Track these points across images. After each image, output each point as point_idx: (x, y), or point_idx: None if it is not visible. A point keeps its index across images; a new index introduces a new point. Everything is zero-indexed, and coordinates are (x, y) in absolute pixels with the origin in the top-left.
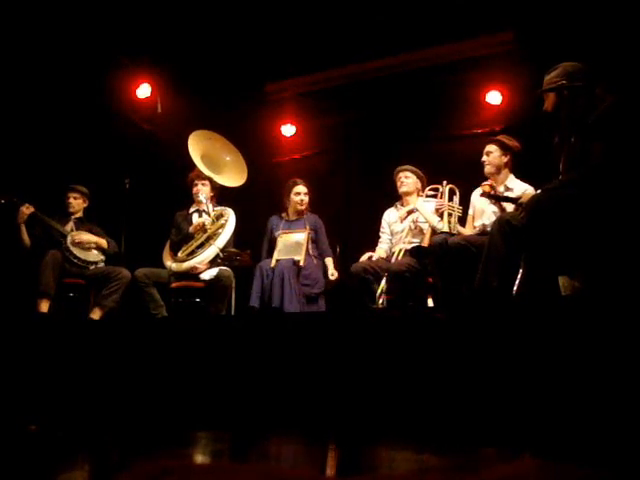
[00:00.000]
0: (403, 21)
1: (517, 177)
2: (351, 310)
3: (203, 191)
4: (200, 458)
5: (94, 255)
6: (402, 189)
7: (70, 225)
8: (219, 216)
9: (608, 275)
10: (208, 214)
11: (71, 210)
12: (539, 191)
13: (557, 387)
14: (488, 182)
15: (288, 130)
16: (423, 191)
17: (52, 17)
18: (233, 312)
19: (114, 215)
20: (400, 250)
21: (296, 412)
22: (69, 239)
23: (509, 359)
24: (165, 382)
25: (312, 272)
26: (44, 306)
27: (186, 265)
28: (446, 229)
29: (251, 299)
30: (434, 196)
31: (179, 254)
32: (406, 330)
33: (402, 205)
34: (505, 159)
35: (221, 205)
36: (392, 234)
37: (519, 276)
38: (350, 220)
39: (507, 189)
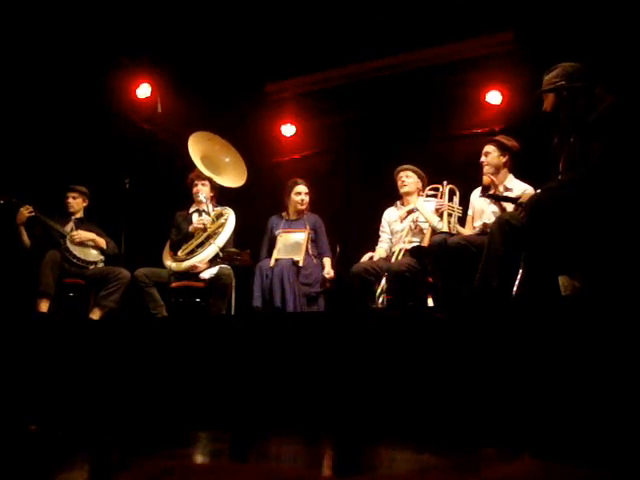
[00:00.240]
0: (403, 21)
1: (517, 177)
2: (351, 310)
3: (203, 191)
4: (200, 458)
5: (94, 255)
6: (403, 189)
7: (70, 225)
8: (219, 215)
9: (608, 275)
10: (208, 214)
11: (71, 210)
12: (539, 191)
13: (557, 387)
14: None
15: (288, 130)
16: (423, 191)
17: (52, 17)
18: (233, 311)
19: (114, 215)
20: (400, 250)
21: (296, 412)
22: (68, 239)
23: (509, 359)
24: (165, 382)
25: (312, 272)
26: (44, 306)
27: (186, 264)
28: (446, 229)
29: (254, 299)
30: (434, 196)
31: (179, 253)
32: (406, 330)
33: (402, 204)
34: (504, 159)
35: (221, 205)
36: (392, 233)
37: (519, 276)
38: (350, 220)
39: (506, 189)
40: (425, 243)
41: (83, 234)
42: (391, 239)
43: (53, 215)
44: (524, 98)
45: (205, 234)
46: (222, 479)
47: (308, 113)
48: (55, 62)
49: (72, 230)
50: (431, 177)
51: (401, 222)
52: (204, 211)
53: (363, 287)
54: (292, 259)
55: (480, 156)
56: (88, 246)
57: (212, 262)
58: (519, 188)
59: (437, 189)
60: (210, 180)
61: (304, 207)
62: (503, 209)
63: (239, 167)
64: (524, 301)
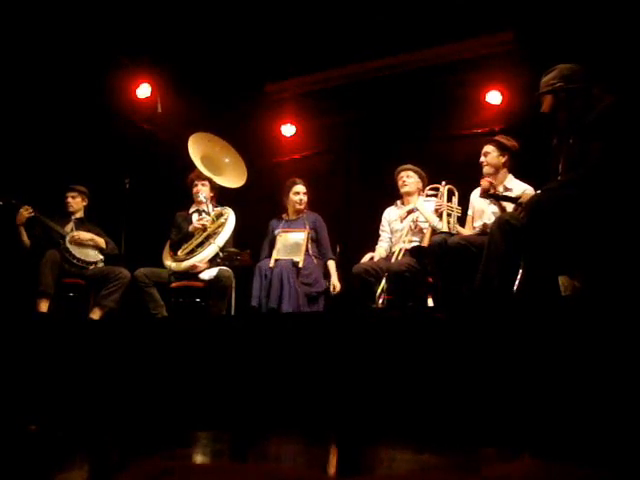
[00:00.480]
0: (403, 21)
1: (517, 177)
2: (351, 310)
3: (203, 191)
4: (200, 458)
5: (93, 255)
6: (404, 189)
7: (70, 225)
8: (219, 215)
9: (608, 275)
10: (208, 214)
11: (70, 210)
12: (539, 192)
13: (557, 387)
14: (487, 178)
15: (288, 130)
16: (424, 191)
17: (52, 17)
18: (233, 312)
19: (114, 215)
20: (400, 250)
21: (296, 412)
22: (67, 239)
23: (509, 359)
24: (165, 382)
25: (312, 272)
26: (44, 306)
27: (185, 264)
28: (445, 229)
29: (252, 299)
30: (434, 196)
31: (179, 253)
32: (406, 330)
33: (403, 204)
34: (503, 159)
35: (221, 205)
36: (392, 232)
37: (519, 276)
38: (350, 220)
39: (506, 189)
40: (425, 243)
41: (82, 235)
42: (391, 238)
43: (53, 215)
44: (524, 98)
45: (205, 234)
46: (222, 479)
47: (308, 113)
48: (55, 62)
49: (72, 230)
50: (431, 177)
51: (401, 222)
52: (204, 211)
53: (363, 287)
54: (292, 260)
55: (480, 156)
56: (88, 246)
57: (212, 262)
58: (519, 188)
59: (437, 189)
60: (210, 180)
61: (303, 207)
62: (503, 209)
63: (239, 167)
64: (524, 301)
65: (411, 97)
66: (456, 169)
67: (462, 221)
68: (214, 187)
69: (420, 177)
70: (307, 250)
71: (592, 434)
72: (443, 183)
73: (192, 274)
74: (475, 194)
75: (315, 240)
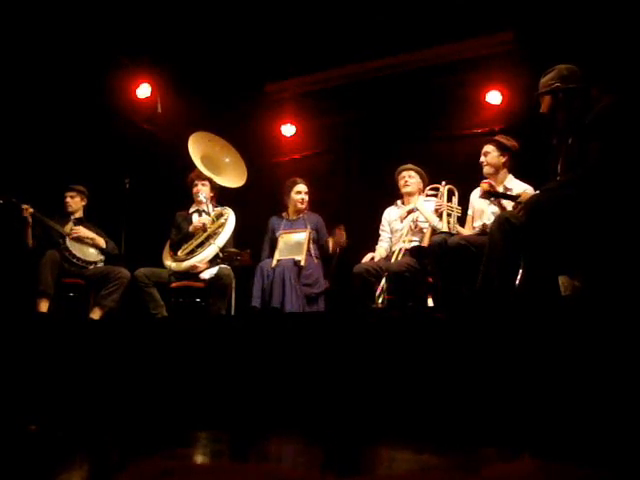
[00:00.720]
0: (403, 21)
1: (517, 177)
2: (351, 310)
3: (203, 191)
4: (200, 458)
5: (93, 255)
6: (405, 189)
7: (70, 225)
8: (219, 215)
9: (608, 275)
10: (208, 214)
11: (70, 210)
12: (538, 192)
13: (557, 387)
14: (487, 180)
15: (288, 130)
16: (424, 191)
17: (52, 17)
18: (233, 312)
19: (114, 215)
20: (400, 249)
21: (296, 412)
22: (67, 238)
23: (509, 359)
24: (165, 382)
25: (313, 272)
26: (44, 306)
27: (186, 264)
28: (445, 229)
29: (253, 299)
30: (435, 196)
31: (179, 253)
32: (406, 330)
33: (403, 204)
34: (503, 159)
35: (221, 205)
36: (392, 232)
37: (519, 276)
38: (350, 220)
39: (506, 189)
40: (425, 243)
41: (82, 230)
42: (391, 238)
43: (53, 215)
44: (524, 98)
45: (205, 234)
46: (222, 479)
47: (308, 113)
48: (55, 62)
49: (72, 230)
50: (431, 177)
51: (401, 222)
52: (204, 211)
53: (364, 287)
54: (293, 259)
55: (480, 156)
56: (88, 246)
57: (212, 262)
58: (519, 188)
59: (437, 189)
60: (210, 180)
61: (304, 206)
62: (503, 209)
63: (239, 167)
64: (524, 301)
65: (411, 97)
66: (456, 169)
67: (462, 221)
68: (214, 187)
69: (421, 177)
70: (308, 250)
71: (592, 434)
72: (443, 183)
73: (192, 274)
74: (475, 194)
75: (316, 241)
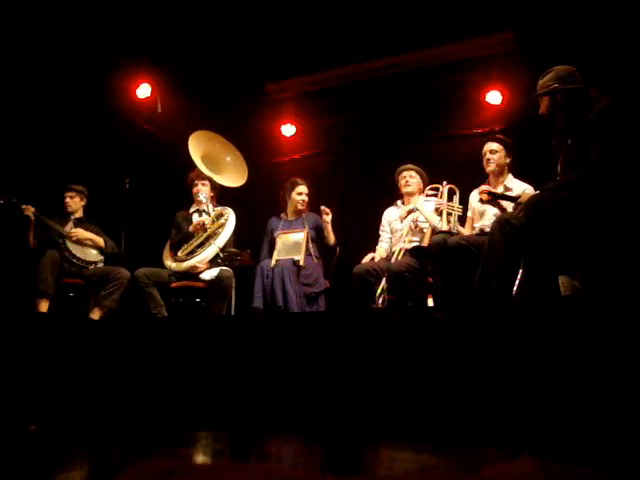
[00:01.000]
0: (403, 21)
1: (516, 177)
2: (351, 310)
3: (203, 191)
4: (200, 458)
5: (93, 255)
6: (406, 189)
7: (70, 225)
8: (219, 215)
9: (608, 275)
10: (208, 214)
11: (69, 210)
12: (538, 192)
13: (557, 387)
14: (485, 187)
15: (288, 130)
16: (424, 191)
17: (52, 17)
18: (233, 312)
19: (114, 215)
20: (400, 250)
21: (296, 412)
22: (67, 238)
23: (509, 359)
24: (165, 382)
25: (312, 272)
26: (44, 306)
27: (186, 264)
28: (445, 228)
29: (254, 300)
30: (435, 195)
31: (179, 253)
32: (406, 330)
33: (403, 204)
34: (508, 160)
35: (221, 205)
36: (392, 232)
37: (519, 276)
38: (350, 220)
39: (506, 189)
40: (425, 243)
41: (81, 232)
42: (391, 238)
43: (53, 215)
44: (524, 98)
45: (205, 234)
46: (222, 479)
47: (308, 113)
48: (55, 62)
49: (71, 229)
50: (431, 177)
51: (401, 222)
52: (204, 211)
53: (364, 288)
54: (292, 259)
55: (480, 156)
56: (88, 246)
57: (212, 262)
58: (519, 188)
59: (437, 189)
60: (210, 180)
61: (304, 207)
62: (503, 210)
63: (240, 166)
64: (524, 301)
65: (411, 97)
66: (456, 169)
67: (462, 221)
68: (214, 187)
69: (422, 177)
70: (307, 250)
71: (592, 434)
72: (444, 183)
73: (192, 274)
74: (475, 195)
75: (315, 240)
